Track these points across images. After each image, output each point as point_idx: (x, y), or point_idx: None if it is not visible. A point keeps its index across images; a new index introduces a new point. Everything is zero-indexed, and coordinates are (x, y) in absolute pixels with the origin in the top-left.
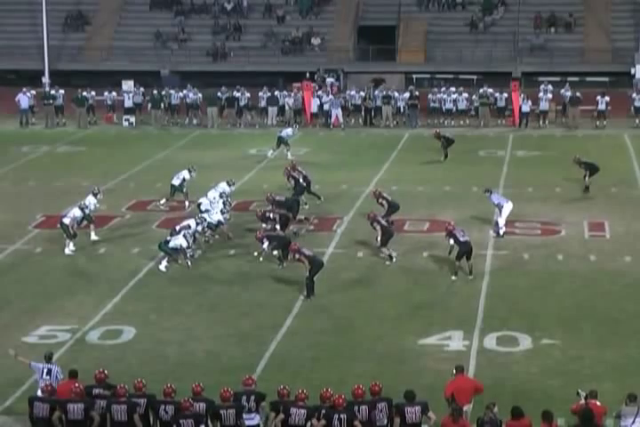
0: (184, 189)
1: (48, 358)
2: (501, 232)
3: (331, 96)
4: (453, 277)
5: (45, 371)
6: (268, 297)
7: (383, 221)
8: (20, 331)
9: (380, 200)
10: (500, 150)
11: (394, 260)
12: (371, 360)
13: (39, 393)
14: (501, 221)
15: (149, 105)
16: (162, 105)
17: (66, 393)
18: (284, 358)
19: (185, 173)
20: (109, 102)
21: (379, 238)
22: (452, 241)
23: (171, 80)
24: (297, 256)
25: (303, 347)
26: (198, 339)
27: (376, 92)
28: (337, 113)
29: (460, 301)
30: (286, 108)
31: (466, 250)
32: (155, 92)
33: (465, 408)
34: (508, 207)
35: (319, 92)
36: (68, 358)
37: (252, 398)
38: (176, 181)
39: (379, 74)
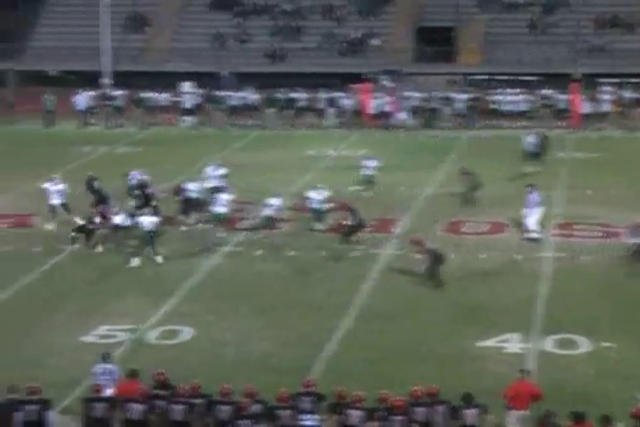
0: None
1: (105, 358)
2: (534, 235)
3: (393, 97)
4: None
5: (103, 371)
6: (325, 298)
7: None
8: (79, 331)
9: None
10: (560, 152)
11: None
12: (428, 362)
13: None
14: (534, 224)
15: (210, 106)
16: (222, 106)
17: (127, 393)
18: (341, 360)
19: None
20: (165, 103)
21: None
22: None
23: (229, 81)
24: (418, 248)
25: (360, 348)
26: (255, 340)
27: (435, 94)
28: (401, 115)
29: (518, 303)
30: (344, 109)
31: None
32: (216, 93)
33: (522, 413)
34: (540, 211)
35: (377, 94)
36: (127, 357)
37: (311, 399)
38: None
39: (437, 75)
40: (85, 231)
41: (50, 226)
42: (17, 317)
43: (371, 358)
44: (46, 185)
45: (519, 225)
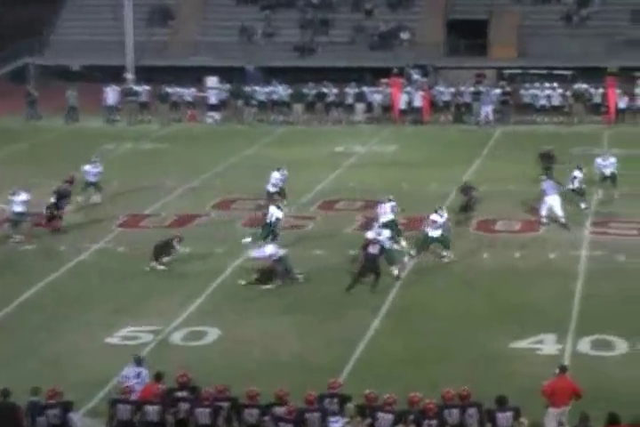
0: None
1: (138, 361)
2: (544, 220)
3: (424, 91)
4: None
5: (135, 374)
6: (356, 297)
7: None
8: (103, 331)
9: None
10: (596, 148)
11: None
12: (461, 363)
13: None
14: (544, 211)
15: (240, 101)
16: (253, 101)
17: (148, 396)
18: (372, 361)
19: (275, 175)
20: (190, 99)
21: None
22: None
23: (254, 76)
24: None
25: (391, 349)
26: (284, 341)
27: (462, 88)
28: (487, 110)
29: (552, 303)
30: (374, 104)
31: None
32: (247, 88)
33: (561, 410)
34: (552, 200)
35: (408, 88)
36: (151, 359)
37: (336, 400)
38: (272, 188)
39: (470, 69)
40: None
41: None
42: (40, 316)
43: (401, 358)
44: (10, 197)
45: (553, 222)
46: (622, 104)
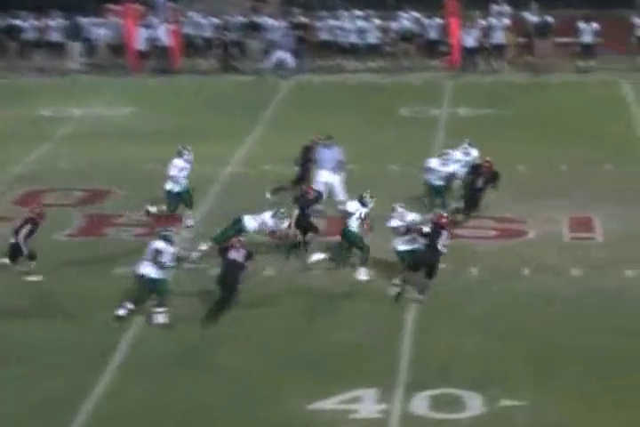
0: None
1: None
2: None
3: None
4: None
5: None
6: (78, 335)
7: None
8: None
9: None
10: (433, 107)
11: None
12: None
13: None
14: (343, 191)
15: None
16: None
17: None
18: None
19: (177, 162)
20: None
21: None
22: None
23: None
24: None
25: (127, 415)
26: None
27: (230, 19)
28: (282, 55)
29: (372, 342)
30: (97, 43)
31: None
32: None
33: None
34: (329, 177)
35: (149, 20)
36: None
37: None
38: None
39: None
40: None
41: None
42: None
43: None
44: None
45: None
46: (471, 41)
